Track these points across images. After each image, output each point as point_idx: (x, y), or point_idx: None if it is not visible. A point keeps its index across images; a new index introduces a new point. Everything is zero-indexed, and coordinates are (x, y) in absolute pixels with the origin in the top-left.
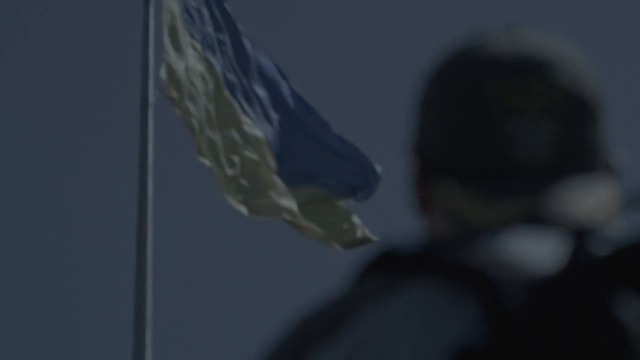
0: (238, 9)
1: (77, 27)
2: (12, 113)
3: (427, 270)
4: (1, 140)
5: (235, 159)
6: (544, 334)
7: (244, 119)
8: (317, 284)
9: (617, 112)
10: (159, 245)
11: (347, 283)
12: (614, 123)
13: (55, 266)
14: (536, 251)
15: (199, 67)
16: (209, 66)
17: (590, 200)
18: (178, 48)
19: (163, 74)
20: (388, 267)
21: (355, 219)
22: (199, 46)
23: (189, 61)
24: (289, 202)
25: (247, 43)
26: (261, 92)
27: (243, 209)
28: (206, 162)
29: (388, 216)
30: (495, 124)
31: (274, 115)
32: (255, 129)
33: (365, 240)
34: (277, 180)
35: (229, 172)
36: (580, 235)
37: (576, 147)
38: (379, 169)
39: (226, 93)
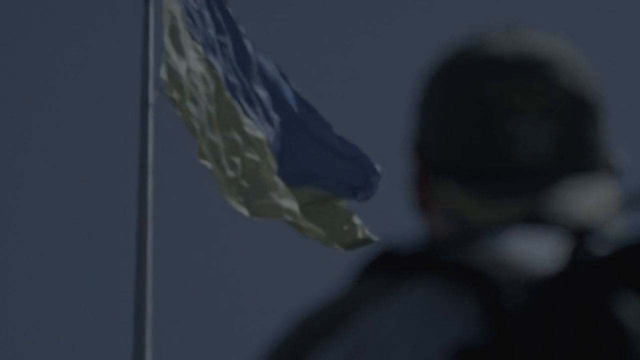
0: (238, 9)
1: (77, 27)
2: (12, 113)
3: (427, 270)
4: (1, 140)
5: (237, 160)
6: (544, 334)
7: (245, 120)
8: (317, 284)
9: (617, 112)
10: (159, 245)
11: (347, 283)
12: (614, 123)
13: (55, 266)
14: (536, 251)
15: (200, 68)
16: (210, 68)
17: (590, 200)
18: (179, 50)
19: (163, 74)
20: (388, 267)
21: (356, 220)
22: (200, 48)
23: (191, 63)
24: (290, 203)
25: (248, 44)
26: (262, 93)
27: (244, 211)
28: (207, 164)
29: (388, 216)
30: (495, 124)
31: (275, 117)
32: (257, 130)
33: (365, 241)
34: (278, 181)
35: (230, 174)
36: (580, 235)
37: (576, 147)
38: (379, 168)
39: (227, 94)
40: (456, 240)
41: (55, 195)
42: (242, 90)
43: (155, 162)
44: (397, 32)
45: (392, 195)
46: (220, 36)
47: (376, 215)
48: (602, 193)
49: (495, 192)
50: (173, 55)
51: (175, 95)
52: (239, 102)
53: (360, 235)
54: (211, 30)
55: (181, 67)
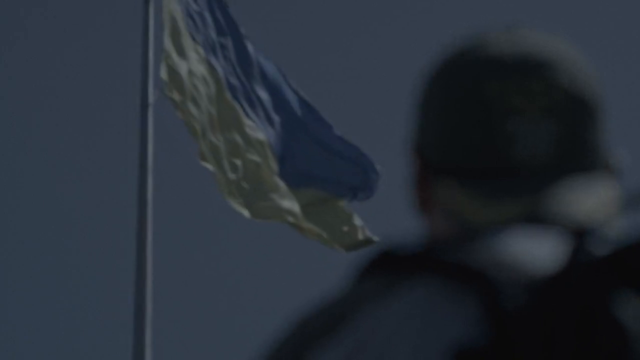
0: (238, 9)
1: (77, 27)
2: (12, 113)
3: (427, 270)
4: (1, 140)
5: (238, 162)
6: (544, 334)
7: (246, 121)
8: (317, 284)
9: (617, 112)
10: (159, 245)
11: (347, 283)
12: (614, 123)
13: (55, 266)
14: (536, 251)
15: (201, 69)
16: (211, 69)
17: (590, 200)
18: (180, 51)
19: (164, 74)
20: (388, 267)
21: (357, 221)
22: (201, 49)
23: (192, 64)
24: (291, 204)
25: (249, 46)
26: (263, 94)
27: (245, 212)
28: (209, 166)
29: (388, 216)
30: (495, 124)
31: (276, 118)
32: (258, 131)
33: (366, 242)
34: (279, 182)
35: (232, 176)
36: (580, 235)
37: (576, 147)
38: (379, 168)
39: (228, 96)
40: (456, 240)
41: (55, 195)
42: (243, 91)
43: (155, 162)
44: (397, 32)
45: (392, 195)
46: (221, 38)
47: (376, 215)
48: (602, 193)
49: (495, 192)
50: (174, 56)
51: (176, 96)
52: (240, 104)
53: (360, 236)
54: (212, 32)
55: (182, 68)
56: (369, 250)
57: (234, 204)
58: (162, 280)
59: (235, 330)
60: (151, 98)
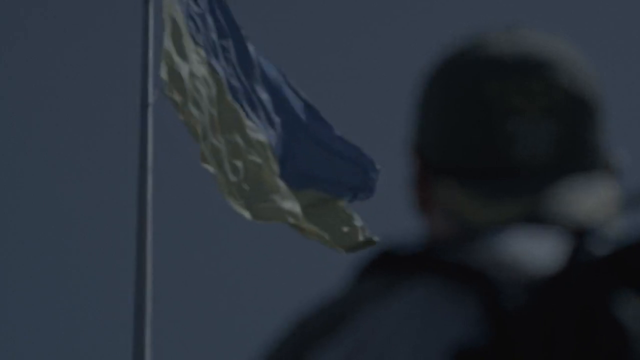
0: (238, 9)
1: (77, 27)
2: (12, 113)
3: (427, 270)
4: (1, 140)
5: (239, 164)
6: (544, 334)
7: (248, 123)
8: (317, 284)
9: (617, 112)
10: (159, 245)
11: (347, 283)
12: (614, 123)
13: (55, 266)
14: (536, 251)
15: (202, 71)
16: (212, 71)
17: (590, 200)
18: (181, 52)
19: (164, 74)
20: (388, 267)
21: (357, 222)
22: (202, 52)
23: (193, 66)
24: (292, 205)
25: (250, 47)
26: (264, 96)
27: (246, 214)
28: (210, 169)
29: (388, 216)
30: (495, 124)
31: (276, 119)
32: (259, 133)
33: (367, 243)
34: (280, 183)
35: (233, 178)
36: (580, 235)
37: (576, 147)
38: (379, 168)
39: (229, 97)
40: (456, 240)
41: (55, 195)
42: (244, 93)
43: (155, 162)
44: (397, 32)
45: (392, 195)
46: (223, 40)
47: (376, 215)
48: (602, 193)
49: (495, 192)
50: (175, 57)
51: (177, 97)
52: (241, 105)
53: (361, 237)
54: (213, 34)
55: (183, 69)
56: (369, 251)
57: (234, 206)
58: (162, 280)
59: (235, 330)
60: (151, 98)
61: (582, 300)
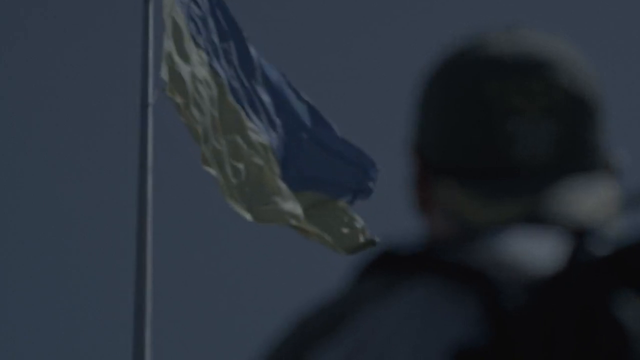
0: (239, 9)
1: (77, 27)
2: (12, 113)
3: (427, 270)
4: (1, 140)
5: (240, 166)
6: (544, 334)
7: (249, 124)
8: (317, 284)
9: (617, 112)
10: (159, 245)
11: (347, 283)
12: (614, 123)
13: (55, 266)
14: (536, 251)
15: (204, 72)
16: (214, 74)
17: (590, 200)
18: (183, 54)
19: (165, 75)
20: (388, 267)
21: (358, 223)
22: (203, 53)
23: (195, 68)
24: (293, 206)
25: (252, 49)
26: (265, 97)
27: (248, 216)
28: (211, 171)
29: (388, 216)
30: (495, 124)
31: (278, 121)
32: (260, 135)
33: (368, 244)
34: (282, 185)
35: (234, 181)
36: (580, 235)
37: (576, 147)
38: (379, 168)
39: (230, 99)
40: (456, 240)
41: (55, 195)
42: (246, 94)
43: (155, 162)
44: (397, 32)
45: (392, 195)
46: (224, 43)
47: (376, 215)
48: (602, 193)
49: (495, 192)
50: (175, 57)
51: (178, 99)
52: (243, 107)
53: (362, 238)
54: (214, 36)
55: (184, 71)
56: (369, 251)
57: (236, 208)
58: (162, 280)
59: (235, 330)
60: (151, 98)
61: (582, 300)
